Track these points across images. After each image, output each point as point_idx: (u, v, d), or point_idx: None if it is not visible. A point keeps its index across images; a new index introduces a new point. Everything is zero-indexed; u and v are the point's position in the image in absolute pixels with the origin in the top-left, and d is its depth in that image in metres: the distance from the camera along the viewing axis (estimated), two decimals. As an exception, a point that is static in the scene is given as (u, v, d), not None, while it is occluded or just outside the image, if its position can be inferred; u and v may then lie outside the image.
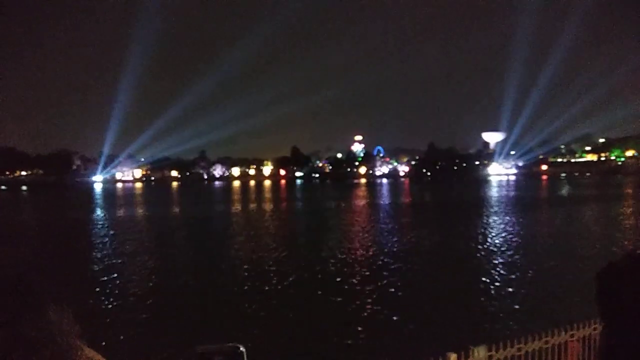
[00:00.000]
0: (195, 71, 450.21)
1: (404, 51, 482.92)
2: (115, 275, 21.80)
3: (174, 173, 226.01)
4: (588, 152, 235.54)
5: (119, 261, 25.65)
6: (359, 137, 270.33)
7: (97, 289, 19.18)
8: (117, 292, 18.79)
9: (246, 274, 21.76)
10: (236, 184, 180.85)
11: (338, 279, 20.23)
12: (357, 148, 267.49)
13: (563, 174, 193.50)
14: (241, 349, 1.02)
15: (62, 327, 0.84)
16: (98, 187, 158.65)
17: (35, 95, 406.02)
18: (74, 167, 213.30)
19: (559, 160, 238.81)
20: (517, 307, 15.66)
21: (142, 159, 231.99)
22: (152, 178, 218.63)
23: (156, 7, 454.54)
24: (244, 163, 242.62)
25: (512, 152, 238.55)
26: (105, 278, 21.15)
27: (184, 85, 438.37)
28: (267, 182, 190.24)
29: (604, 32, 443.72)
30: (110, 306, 16.73)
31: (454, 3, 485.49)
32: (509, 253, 25.74)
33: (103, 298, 17.83)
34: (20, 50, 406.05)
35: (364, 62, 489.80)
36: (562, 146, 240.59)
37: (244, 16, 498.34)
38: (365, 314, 15.32)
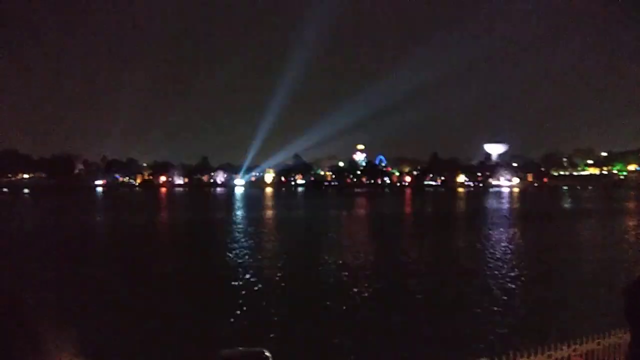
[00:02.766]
0: (201, 73, 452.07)
1: (405, 58, 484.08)
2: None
3: (180, 180, 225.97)
4: (590, 165, 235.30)
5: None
6: (361, 146, 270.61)
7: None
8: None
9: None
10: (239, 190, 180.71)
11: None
12: (359, 157, 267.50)
13: (565, 187, 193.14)
14: (266, 353, 0.95)
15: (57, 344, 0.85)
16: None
17: (38, 97, 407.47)
18: (77, 170, 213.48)
19: (561, 173, 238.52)
20: (521, 319, 15.58)
21: (145, 164, 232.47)
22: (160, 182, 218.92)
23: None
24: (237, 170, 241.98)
25: (515, 164, 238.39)
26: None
27: (185, 89, 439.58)
28: (269, 190, 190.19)
29: (608, 46, 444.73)
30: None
31: (447, 11, 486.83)
32: (517, 270, 25.62)
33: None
34: (22, 50, 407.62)
35: (366, 70, 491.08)
36: (564, 159, 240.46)
37: (242, 25, 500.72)
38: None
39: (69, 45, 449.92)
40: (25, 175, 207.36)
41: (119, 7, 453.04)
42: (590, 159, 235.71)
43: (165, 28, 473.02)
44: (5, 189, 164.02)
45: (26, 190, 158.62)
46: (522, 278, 22.38)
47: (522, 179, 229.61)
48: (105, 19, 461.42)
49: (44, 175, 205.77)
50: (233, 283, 21.11)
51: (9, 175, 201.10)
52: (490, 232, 41.05)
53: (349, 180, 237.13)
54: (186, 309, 16.98)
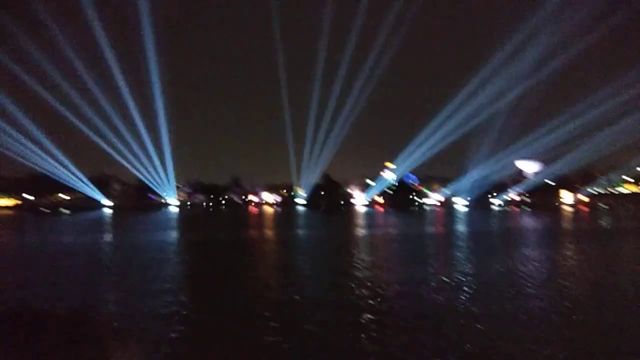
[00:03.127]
0: (229, 98, 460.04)
1: (430, 73, 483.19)
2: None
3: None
4: (629, 183, 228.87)
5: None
6: (390, 164, 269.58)
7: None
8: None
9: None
10: (270, 209, 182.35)
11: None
12: (389, 176, 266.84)
13: (604, 206, 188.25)
14: None
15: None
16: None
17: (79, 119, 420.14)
18: (113, 191, 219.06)
19: (598, 191, 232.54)
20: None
21: (179, 185, 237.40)
22: (189, 203, 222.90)
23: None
24: (273, 189, 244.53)
25: (548, 182, 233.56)
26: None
27: (214, 108, 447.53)
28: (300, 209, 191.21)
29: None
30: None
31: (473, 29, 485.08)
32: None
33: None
34: (56, 70, 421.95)
35: (392, 89, 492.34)
36: (601, 176, 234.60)
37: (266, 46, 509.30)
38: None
39: (103, 66, 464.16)
40: (65, 197, 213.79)
41: (160, 29, 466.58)
42: (628, 176, 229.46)
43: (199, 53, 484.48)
44: (45, 210, 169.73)
45: (66, 211, 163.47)
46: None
47: (556, 197, 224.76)
48: (143, 41, 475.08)
49: (82, 195, 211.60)
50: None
51: (49, 195, 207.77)
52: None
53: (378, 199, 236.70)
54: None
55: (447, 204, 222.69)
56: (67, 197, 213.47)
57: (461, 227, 78.24)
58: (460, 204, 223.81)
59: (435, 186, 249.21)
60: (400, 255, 42.16)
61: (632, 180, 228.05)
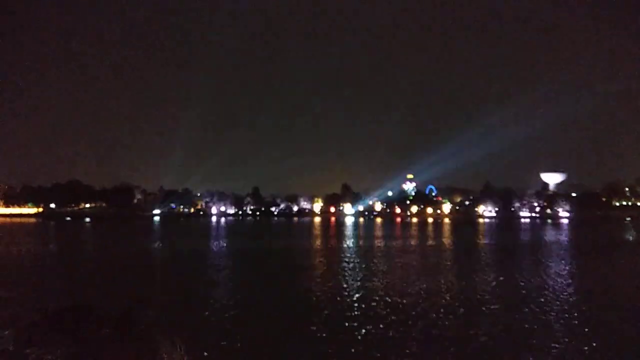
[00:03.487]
0: (249, 108, 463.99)
1: (459, 90, 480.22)
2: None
3: (232, 210, 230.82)
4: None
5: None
6: (410, 176, 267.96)
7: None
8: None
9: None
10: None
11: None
12: (409, 187, 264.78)
13: (628, 218, 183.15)
14: None
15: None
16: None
17: (100, 130, 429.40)
18: (135, 200, 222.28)
19: (624, 203, 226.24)
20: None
21: (199, 194, 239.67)
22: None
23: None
24: (293, 199, 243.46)
25: (574, 194, 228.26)
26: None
27: (236, 120, 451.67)
28: (317, 219, 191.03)
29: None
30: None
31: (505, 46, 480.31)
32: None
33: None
34: (84, 85, 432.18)
35: (416, 101, 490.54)
36: (627, 188, 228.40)
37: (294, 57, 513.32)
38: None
39: (129, 81, 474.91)
40: (87, 205, 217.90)
41: (177, 40, 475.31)
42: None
43: (218, 65, 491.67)
44: (68, 218, 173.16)
45: (87, 219, 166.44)
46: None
47: (579, 210, 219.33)
48: (162, 54, 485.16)
49: (104, 204, 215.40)
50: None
51: (72, 205, 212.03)
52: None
53: (398, 210, 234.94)
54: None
55: (469, 215, 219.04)
56: (89, 205, 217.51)
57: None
58: (487, 215, 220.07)
59: (457, 197, 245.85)
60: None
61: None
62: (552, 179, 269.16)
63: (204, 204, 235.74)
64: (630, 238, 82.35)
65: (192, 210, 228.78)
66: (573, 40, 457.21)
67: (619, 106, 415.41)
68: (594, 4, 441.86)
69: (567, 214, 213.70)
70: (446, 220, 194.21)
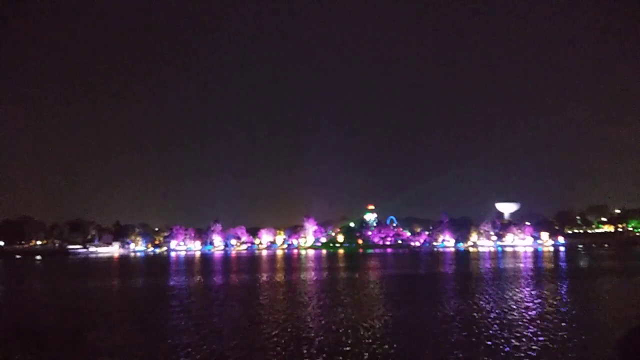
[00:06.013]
0: (206, 140, 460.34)
1: (412, 118, 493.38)
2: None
3: (191, 244, 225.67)
4: (604, 222, 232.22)
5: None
6: (371, 207, 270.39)
7: None
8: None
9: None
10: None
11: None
12: (370, 217, 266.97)
13: (580, 245, 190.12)
14: None
15: None
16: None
17: (51, 165, 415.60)
18: (89, 236, 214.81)
19: (575, 231, 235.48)
20: None
21: (157, 228, 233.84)
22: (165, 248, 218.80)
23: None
24: (253, 232, 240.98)
25: (527, 223, 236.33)
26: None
27: (192, 153, 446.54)
28: (280, 252, 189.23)
29: (621, 102, 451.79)
30: None
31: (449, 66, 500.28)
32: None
33: None
34: (35, 119, 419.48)
35: (376, 133, 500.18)
36: (578, 217, 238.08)
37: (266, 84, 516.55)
38: None
39: (82, 111, 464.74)
40: (39, 242, 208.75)
41: (136, 70, 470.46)
42: (604, 217, 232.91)
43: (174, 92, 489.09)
44: (18, 256, 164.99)
45: (38, 257, 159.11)
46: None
47: (536, 238, 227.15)
48: (119, 85, 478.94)
49: (57, 241, 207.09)
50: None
51: (23, 242, 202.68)
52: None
53: (359, 241, 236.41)
54: None
55: (433, 245, 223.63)
56: (40, 243, 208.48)
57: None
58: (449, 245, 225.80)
59: (417, 227, 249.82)
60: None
61: (606, 220, 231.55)
62: (507, 208, 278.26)
63: (162, 239, 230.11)
64: (585, 265, 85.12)
65: (149, 246, 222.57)
66: (524, 70, 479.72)
67: (568, 136, 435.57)
68: (541, 41, 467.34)
69: (525, 242, 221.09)
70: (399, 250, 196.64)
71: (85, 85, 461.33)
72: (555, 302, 36.12)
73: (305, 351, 20.95)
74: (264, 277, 64.93)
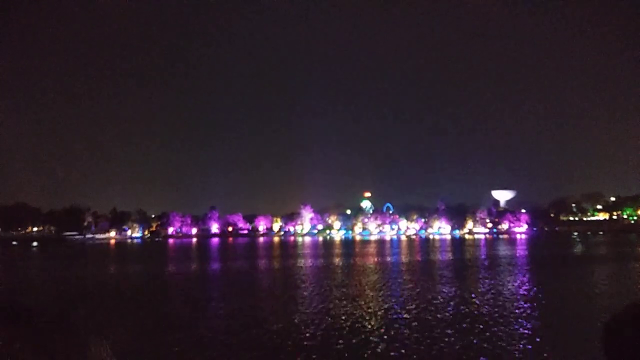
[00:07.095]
0: (203, 127, 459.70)
1: (411, 108, 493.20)
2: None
3: (189, 230, 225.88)
4: (599, 210, 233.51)
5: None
6: (367, 194, 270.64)
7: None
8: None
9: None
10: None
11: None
12: (366, 205, 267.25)
13: (575, 233, 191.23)
14: None
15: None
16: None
17: (48, 151, 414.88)
18: (85, 223, 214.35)
19: (571, 218, 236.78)
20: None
21: (153, 215, 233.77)
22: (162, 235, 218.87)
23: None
24: (252, 219, 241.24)
25: (523, 210, 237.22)
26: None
27: (195, 139, 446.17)
28: (277, 239, 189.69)
29: (617, 90, 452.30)
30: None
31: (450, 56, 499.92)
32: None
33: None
34: (32, 105, 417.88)
35: (372, 120, 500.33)
36: (573, 204, 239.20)
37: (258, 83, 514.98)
38: None
39: (79, 98, 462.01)
40: (35, 229, 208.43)
41: (132, 62, 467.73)
42: (599, 204, 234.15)
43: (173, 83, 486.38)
44: (14, 242, 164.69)
45: (35, 243, 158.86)
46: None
47: (532, 225, 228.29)
48: (116, 74, 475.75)
49: (53, 228, 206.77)
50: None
51: (19, 228, 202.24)
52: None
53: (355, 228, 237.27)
54: None
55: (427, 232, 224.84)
56: (36, 229, 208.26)
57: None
58: (444, 232, 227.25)
59: (413, 215, 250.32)
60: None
61: (601, 207, 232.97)
62: (503, 196, 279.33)
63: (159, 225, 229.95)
64: (579, 252, 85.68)
65: (146, 232, 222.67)
66: (521, 58, 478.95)
67: (564, 124, 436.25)
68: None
69: (522, 230, 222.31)
70: (403, 237, 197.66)
71: (82, 74, 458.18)
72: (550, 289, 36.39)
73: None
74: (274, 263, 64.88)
